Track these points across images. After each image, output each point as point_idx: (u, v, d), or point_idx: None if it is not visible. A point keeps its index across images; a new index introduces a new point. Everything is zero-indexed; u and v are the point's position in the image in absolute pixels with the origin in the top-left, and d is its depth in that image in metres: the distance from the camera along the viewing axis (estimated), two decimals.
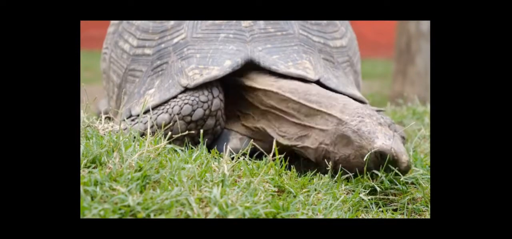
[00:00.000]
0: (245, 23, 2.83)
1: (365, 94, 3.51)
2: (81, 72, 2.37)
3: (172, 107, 2.67)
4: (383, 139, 2.41)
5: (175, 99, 2.69)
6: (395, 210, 2.43)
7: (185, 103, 2.66)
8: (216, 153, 2.55)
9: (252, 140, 2.69)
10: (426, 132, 3.33)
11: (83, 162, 2.12)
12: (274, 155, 2.42)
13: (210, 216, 1.95)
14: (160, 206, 1.94)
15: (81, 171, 2.07)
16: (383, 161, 2.39)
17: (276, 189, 2.28)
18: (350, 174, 2.48)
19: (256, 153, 2.65)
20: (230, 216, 1.95)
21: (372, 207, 2.38)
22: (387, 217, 2.32)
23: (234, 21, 2.83)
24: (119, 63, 3.02)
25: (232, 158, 2.44)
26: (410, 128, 3.52)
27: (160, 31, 2.88)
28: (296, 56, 2.79)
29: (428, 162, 2.81)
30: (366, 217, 2.30)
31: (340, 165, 2.49)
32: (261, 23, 2.84)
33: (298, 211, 2.14)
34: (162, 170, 2.15)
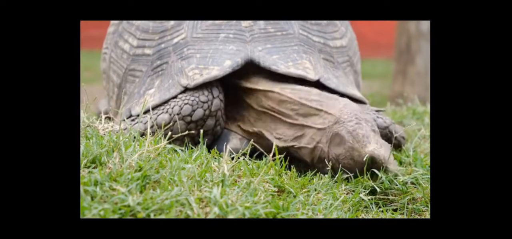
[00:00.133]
0: (245, 23, 2.83)
1: (365, 94, 3.51)
2: (81, 72, 2.37)
3: (172, 108, 2.67)
4: (375, 145, 2.43)
5: (175, 100, 2.69)
6: (395, 210, 2.43)
7: (185, 104, 2.66)
8: (216, 153, 2.55)
9: (252, 140, 2.69)
10: (426, 132, 3.33)
11: (83, 162, 2.12)
12: (274, 155, 2.42)
13: (210, 216, 1.95)
14: (160, 206, 1.94)
15: (81, 171, 2.06)
16: (373, 165, 2.41)
17: (276, 189, 2.28)
18: (350, 174, 2.48)
19: (256, 153, 2.65)
20: (230, 216, 1.95)
21: (372, 207, 2.38)
22: (387, 217, 2.32)
23: (234, 21, 2.83)
24: (119, 63, 3.02)
25: (232, 158, 2.44)
26: (410, 128, 3.51)
27: (160, 31, 2.88)
28: (296, 56, 2.79)
29: (428, 162, 2.81)
30: (366, 217, 2.30)
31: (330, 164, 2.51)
32: (261, 23, 2.83)
33: (298, 211, 2.14)
34: (162, 170, 2.14)
